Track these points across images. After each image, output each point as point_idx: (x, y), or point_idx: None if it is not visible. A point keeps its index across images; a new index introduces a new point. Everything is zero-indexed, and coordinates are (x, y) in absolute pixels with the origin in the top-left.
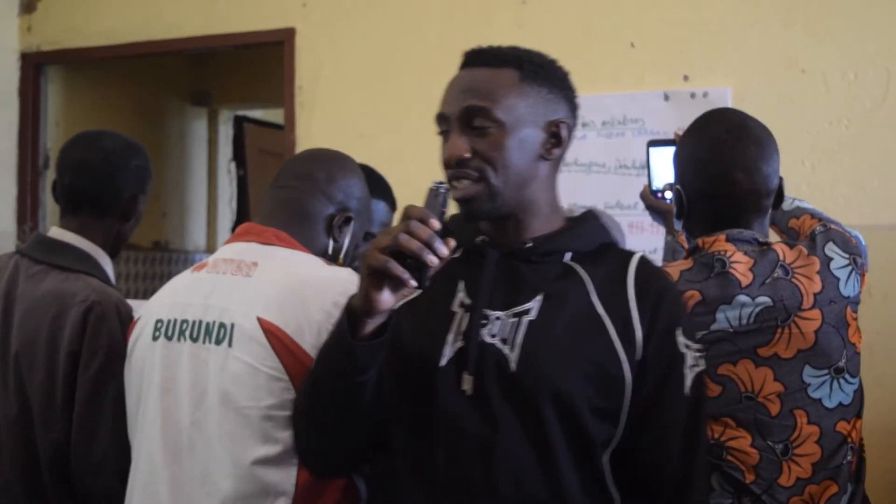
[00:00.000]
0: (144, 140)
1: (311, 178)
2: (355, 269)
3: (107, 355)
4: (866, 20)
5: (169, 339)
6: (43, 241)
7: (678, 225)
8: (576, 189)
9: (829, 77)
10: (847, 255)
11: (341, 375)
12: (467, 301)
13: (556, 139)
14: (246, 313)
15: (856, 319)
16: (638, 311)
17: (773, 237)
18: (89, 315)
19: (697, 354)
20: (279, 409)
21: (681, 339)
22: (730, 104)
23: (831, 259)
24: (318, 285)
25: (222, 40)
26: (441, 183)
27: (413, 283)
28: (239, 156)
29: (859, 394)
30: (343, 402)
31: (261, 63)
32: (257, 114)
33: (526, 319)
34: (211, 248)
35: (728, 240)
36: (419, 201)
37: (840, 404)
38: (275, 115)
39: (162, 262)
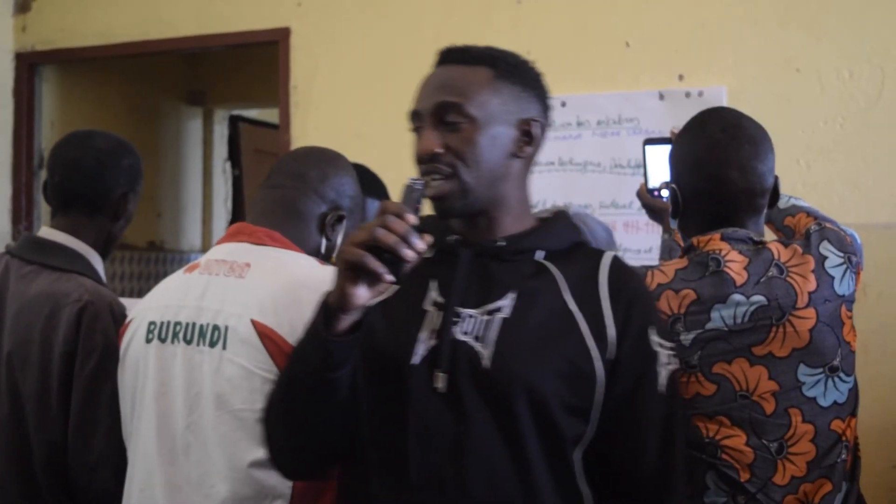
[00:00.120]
0: (139, 140)
1: (303, 176)
2: None
3: (102, 355)
4: (861, 19)
5: (162, 341)
6: (33, 241)
7: (674, 224)
8: (571, 188)
9: (824, 76)
10: (842, 254)
11: (316, 372)
12: (440, 299)
13: (528, 137)
14: (240, 316)
15: (850, 318)
16: (611, 310)
17: (770, 235)
18: (83, 315)
19: (670, 353)
20: None
21: (654, 339)
22: (725, 103)
23: (826, 258)
24: (311, 285)
25: (217, 40)
26: (417, 179)
27: (389, 277)
28: (234, 155)
29: (854, 392)
30: (317, 400)
31: (256, 63)
32: (252, 113)
33: (499, 317)
34: (206, 248)
35: (723, 239)
36: None
37: (835, 403)
38: (270, 115)
39: (157, 262)
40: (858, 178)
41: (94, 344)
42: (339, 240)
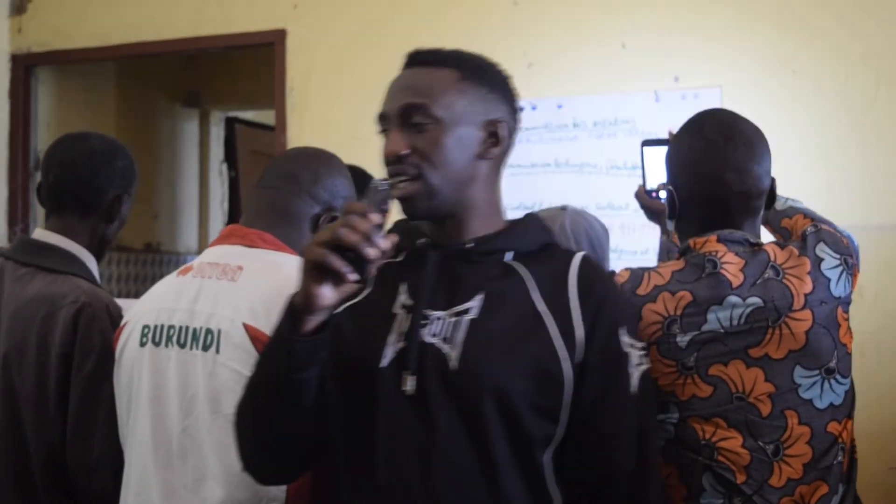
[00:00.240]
0: (135, 141)
1: (296, 177)
2: None
3: (100, 356)
4: (857, 21)
5: (157, 344)
6: (28, 243)
7: (670, 225)
8: (567, 189)
9: (820, 78)
10: (838, 256)
11: (282, 373)
12: (409, 302)
13: (494, 138)
14: (232, 319)
15: (847, 320)
16: (580, 311)
17: (767, 237)
18: (80, 316)
19: (642, 353)
20: None
21: (625, 339)
22: (720, 104)
23: (822, 259)
24: None
25: (213, 41)
26: (383, 180)
27: (353, 276)
28: (230, 157)
29: (850, 394)
30: (285, 403)
31: (252, 64)
32: (248, 115)
33: (466, 318)
34: (202, 250)
35: (719, 240)
36: None
37: (831, 405)
38: (266, 117)
39: (153, 263)
40: (854, 180)
41: (92, 345)
42: None
